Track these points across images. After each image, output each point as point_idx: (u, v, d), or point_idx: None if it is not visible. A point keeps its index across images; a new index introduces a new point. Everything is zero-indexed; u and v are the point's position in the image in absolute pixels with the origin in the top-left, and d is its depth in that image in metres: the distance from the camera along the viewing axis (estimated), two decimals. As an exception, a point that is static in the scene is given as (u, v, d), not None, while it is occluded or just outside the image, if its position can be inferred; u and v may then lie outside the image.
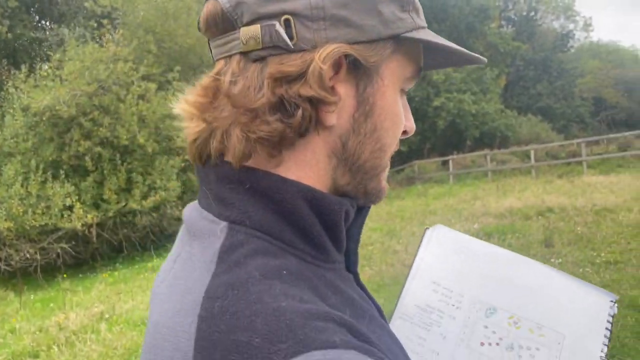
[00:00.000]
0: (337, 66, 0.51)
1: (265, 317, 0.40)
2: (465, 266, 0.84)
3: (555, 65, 40.17)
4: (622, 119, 44.61)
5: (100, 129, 10.50)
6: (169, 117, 10.98)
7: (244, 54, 0.51)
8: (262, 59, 0.50)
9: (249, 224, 0.50)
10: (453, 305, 0.81)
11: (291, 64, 0.48)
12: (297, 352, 0.38)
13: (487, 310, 0.79)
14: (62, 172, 9.69)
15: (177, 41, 12.31)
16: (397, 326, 0.80)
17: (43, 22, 15.02)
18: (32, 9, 15.00)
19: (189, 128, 0.54)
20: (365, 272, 6.80)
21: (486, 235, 8.31)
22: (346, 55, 0.50)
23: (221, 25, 0.52)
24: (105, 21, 11.46)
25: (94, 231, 9.91)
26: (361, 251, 0.70)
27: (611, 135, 19.48)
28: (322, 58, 0.48)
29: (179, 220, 11.14)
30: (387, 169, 0.60)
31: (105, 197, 10.22)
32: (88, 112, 10.56)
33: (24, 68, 11.19)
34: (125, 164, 10.63)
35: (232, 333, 0.40)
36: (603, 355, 0.74)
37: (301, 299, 0.43)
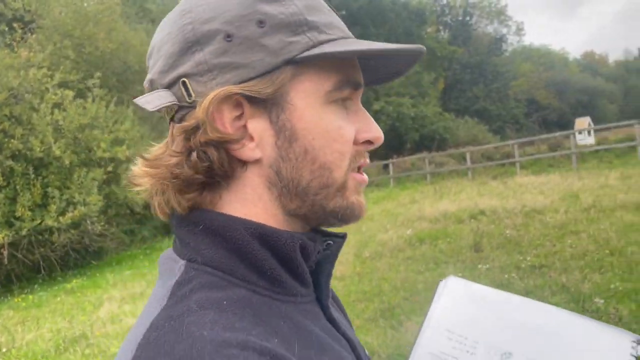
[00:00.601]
0: (237, 106, 0.55)
1: (184, 345, 0.43)
2: (478, 313, 0.85)
3: (490, 68, 41.48)
4: (554, 120, 46.62)
5: (12, 140, 9.72)
6: (88, 127, 10.33)
7: (171, 120, 0.57)
8: (180, 120, 0.56)
9: (201, 261, 0.53)
10: (468, 352, 0.81)
11: (193, 117, 0.54)
12: None
13: (502, 355, 0.79)
14: (-35, 189, 8.86)
15: (98, 46, 11.64)
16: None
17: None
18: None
19: (141, 182, 0.59)
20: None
21: (419, 241, 8.20)
22: (232, 94, 0.53)
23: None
24: (17, 25, 10.63)
25: (5, 252, 9.12)
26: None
27: (543, 136, 20.11)
28: (206, 106, 0.52)
29: (101, 236, 10.49)
30: (351, 185, 0.60)
31: (17, 214, 9.44)
32: (-2, 123, 9.76)
33: None
34: (40, 177, 9.88)
35: (155, 359, 0.43)
36: None
37: (232, 327, 0.46)
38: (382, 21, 31.13)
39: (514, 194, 11.31)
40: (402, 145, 27.27)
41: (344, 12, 30.49)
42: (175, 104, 0.55)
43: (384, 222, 10.64)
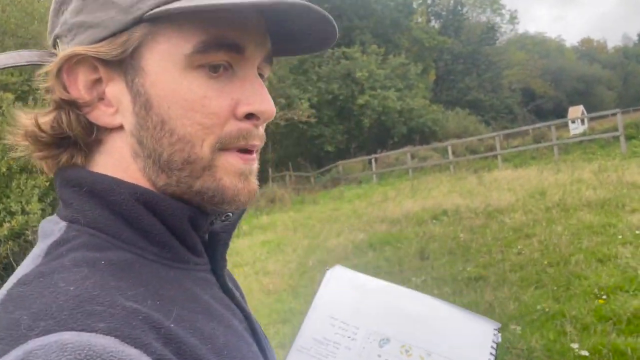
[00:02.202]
0: (91, 69, 0.52)
1: (45, 299, 0.41)
2: (360, 301, 0.88)
3: (483, 58, 40.74)
4: (550, 109, 45.92)
5: (-54, 148, 9.17)
6: (29, 131, 9.78)
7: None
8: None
9: (83, 223, 0.51)
10: (349, 337, 0.83)
11: (48, 74, 0.52)
12: (51, 330, 0.38)
13: (380, 340, 0.83)
14: None
15: (44, 45, 11.04)
16: (293, 358, 0.82)
17: None
18: None
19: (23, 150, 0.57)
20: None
21: (369, 246, 7.66)
22: (77, 55, 0.51)
23: None
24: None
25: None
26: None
27: (527, 127, 19.46)
28: (53, 66, 0.51)
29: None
30: (223, 164, 0.53)
31: (-49, 226, 8.92)
32: None
33: None
34: (-24, 186, 9.35)
35: (12, 312, 0.41)
36: None
37: (103, 285, 0.43)
38: (367, 13, 30.40)
39: (484, 191, 10.74)
40: (389, 139, 26.66)
41: (326, 5, 29.84)
42: (26, 63, 0.55)
43: (344, 224, 10.10)
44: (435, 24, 42.16)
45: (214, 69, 0.52)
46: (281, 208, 15.52)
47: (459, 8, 42.51)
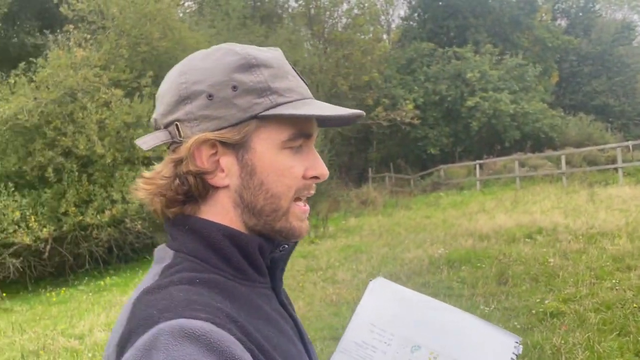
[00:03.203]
0: (212, 147, 0.72)
1: (167, 301, 0.61)
2: (398, 311, 0.97)
3: (615, 59, 36.99)
4: (695, 117, 40.65)
5: (63, 138, 10.11)
6: (133, 125, 10.46)
7: (168, 149, 0.76)
8: (172, 151, 0.74)
9: (185, 252, 0.72)
10: (385, 343, 0.93)
11: (180, 152, 0.71)
12: (172, 318, 0.58)
13: (412, 347, 0.92)
14: (10, 184, 9.33)
15: (153, 44, 11.77)
16: (337, 359, 0.94)
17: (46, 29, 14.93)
18: (29, 15, 14.99)
19: (140, 193, 0.76)
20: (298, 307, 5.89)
21: (446, 263, 7.17)
22: (208, 139, 0.71)
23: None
24: (71, 26, 11.05)
25: (48, 246, 9.50)
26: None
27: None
28: (188, 146, 0.70)
29: (142, 234, 10.61)
30: (295, 212, 0.75)
31: (62, 210, 9.80)
32: (52, 121, 10.20)
33: (13, 73, 10.93)
34: (86, 175, 10.19)
35: (146, 309, 0.61)
36: None
37: (200, 293, 0.64)
38: (484, 11, 28.82)
39: (592, 210, 9.67)
40: (499, 144, 25.17)
41: (440, 3, 28.86)
42: (167, 141, 0.73)
43: (429, 235, 9.61)
44: (561, 22, 39.06)
45: (296, 148, 0.75)
46: (372, 211, 15.25)
47: (591, 5, 38.99)
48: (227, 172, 0.72)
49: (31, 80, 10.67)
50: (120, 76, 11.02)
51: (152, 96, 10.05)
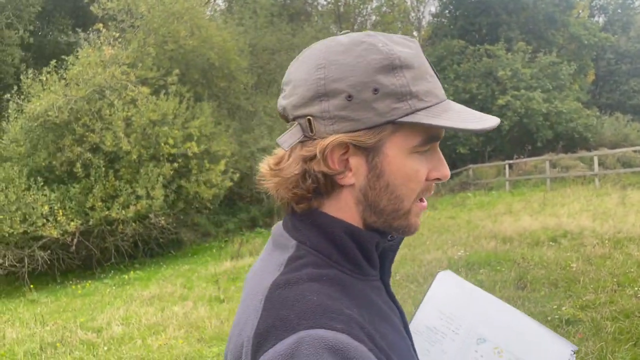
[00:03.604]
0: (344, 147, 0.72)
1: (302, 304, 0.64)
2: (465, 304, 1.03)
3: (655, 57, 35.73)
4: None
5: (91, 134, 10.35)
6: (159, 123, 10.62)
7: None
8: (300, 143, 0.74)
9: (309, 245, 0.74)
10: (453, 331, 0.99)
11: (310, 149, 0.72)
12: (312, 327, 0.60)
13: (478, 339, 0.97)
14: (40, 179, 9.60)
15: (180, 43, 11.92)
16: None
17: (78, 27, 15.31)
18: (63, 13, 15.37)
19: (267, 185, 0.78)
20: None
21: (465, 266, 7.06)
22: (344, 142, 0.71)
23: (283, 118, 0.78)
24: (101, 25, 11.28)
25: (75, 240, 9.75)
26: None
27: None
28: (323, 147, 0.70)
29: (166, 230, 10.78)
30: (415, 211, 0.77)
31: (89, 205, 10.03)
32: (80, 118, 10.46)
33: (45, 70, 11.20)
34: (112, 171, 10.40)
35: (280, 309, 0.64)
36: None
37: (331, 296, 0.66)
38: (517, 8, 28.20)
39: (622, 213, 9.37)
40: (531, 144, 24.62)
41: (471, 1, 28.37)
42: (301, 139, 0.73)
43: (451, 236, 9.48)
44: (599, 19, 37.93)
45: (424, 152, 0.75)
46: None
47: (630, 1, 37.71)
48: (355, 171, 0.73)
49: (62, 78, 10.95)
50: (147, 74, 11.21)
51: (178, 94, 10.13)
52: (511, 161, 20.03)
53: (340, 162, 0.72)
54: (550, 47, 27.95)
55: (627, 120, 29.04)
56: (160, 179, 10.22)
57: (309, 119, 0.71)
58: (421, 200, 0.78)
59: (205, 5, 12.76)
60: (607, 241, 7.36)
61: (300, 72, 0.74)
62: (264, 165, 0.79)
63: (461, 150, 24.96)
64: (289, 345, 0.59)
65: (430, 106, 0.71)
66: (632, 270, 5.84)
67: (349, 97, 0.69)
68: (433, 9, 34.78)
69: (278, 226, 0.82)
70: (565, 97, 25.81)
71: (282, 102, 0.77)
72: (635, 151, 17.84)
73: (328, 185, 0.74)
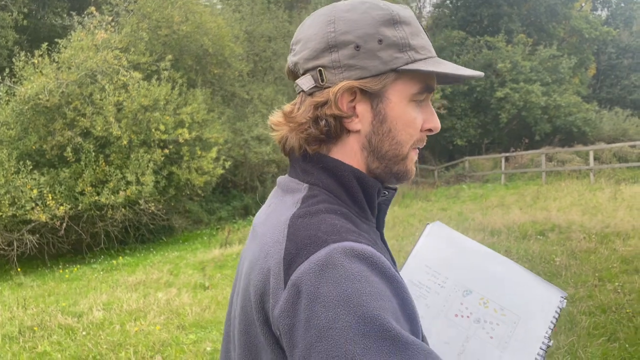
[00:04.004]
0: (352, 94, 0.80)
1: (326, 226, 0.71)
2: (453, 256, 1.04)
3: (657, 52, 35.51)
4: None
5: (82, 119, 10.30)
6: (150, 108, 10.56)
7: (303, 91, 0.83)
8: (311, 94, 0.82)
9: (321, 186, 0.81)
10: (439, 285, 1.00)
11: (322, 96, 0.80)
12: (340, 239, 0.68)
13: (464, 291, 0.99)
14: (29, 162, 9.56)
15: (174, 28, 11.82)
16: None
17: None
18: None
19: (278, 133, 0.85)
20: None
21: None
22: (354, 87, 0.79)
23: (292, 75, 0.87)
24: (93, 9, 11.17)
25: (63, 224, 9.73)
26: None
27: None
28: (335, 91, 0.78)
29: (157, 216, 10.75)
30: (411, 157, 0.85)
31: (78, 189, 10.00)
32: (72, 102, 10.39)
33: (37, 53, 11.08)
34: (102, 156, 10.36)
35: (307, 230, 0.71)
36: (547, 335, 0.96)
37: (347, 223, 0.74)
38: (517, 0, 28.03)
39: (612, 208, 9.34)
40: (528, 137, 24.53)
41: (472, -10, 28.10)
42: (315, 86, 0.81)
43: (440, 228, 9.46)
44: (601, 12, 37.67)
45: (420, 102, 0.83)
46: (392, 201, 15.10)
47: (634, -6, 37.40)
48: (361, 117, 0.81)
49: (54, 61, 10.87)
50: (139, 59, 11.12)
51: (171, 80, 10.02)
52: (507, 154, 19.97)
53: (349, 107, 0.80)
54: (551, 40, 27.78)
55: (627, 115, 28.92)
56: (151, 164, 10.18)
57: (319, 70, 0.80)
58: (414, 148, 0.85)
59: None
60: (594, 236, 7.35)
61: (311, 29, 0.82)
62: (275, 116, 0.86)
63: (458, 142, 24.88)
64: (323, 256, 0.66)
65: (426, 58, 0.81)
66: (614, 265, 5.82)
67: (357, 47, 0.78)
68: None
69: (283, 177, 0.89)
70: (565, 90, 25.68)
71: (293, 58, 0.85)
72: (631, 146, 17.80)
73: (337, 129, 0.81)
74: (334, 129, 0.80)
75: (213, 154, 11.08)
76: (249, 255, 0.81)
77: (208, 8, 12.63)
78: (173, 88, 10.99)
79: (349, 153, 0.82)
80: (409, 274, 1.03)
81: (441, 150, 26.54)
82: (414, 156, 0.86)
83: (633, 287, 4.92)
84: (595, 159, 17.29)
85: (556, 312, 0.96)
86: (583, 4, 35.50)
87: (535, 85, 23.96)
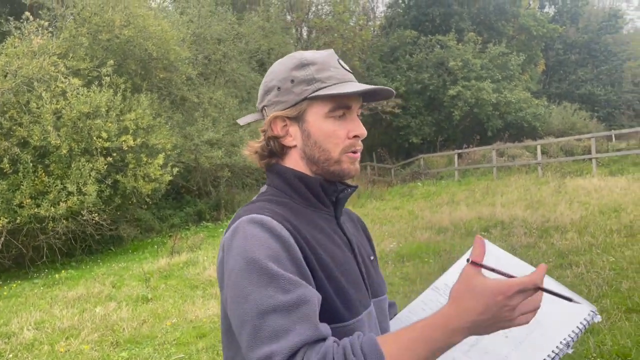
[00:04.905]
0: (283, 120, 1.07)
1: (251, 207, 1.00)
2: (492, 264, 1.00)
3: (602, 48, 36.87)
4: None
5: (19, 128, 9.88)
6: (91, 115, 10.23)
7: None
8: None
9: (273, 185, 1.10)
10: None
11: (265, 126, 1.09)
12: (250, 213, 0.97)
13: None
14: (-40, 176, 9.12)
15: (115, 32, 11.48)
16: (427, 293, 1.16)
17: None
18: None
19: (252, 159, 1.14)
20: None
21: (397, 258, 7.07)
22: (278, 116, 1.07)
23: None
24: (28, 13, 10.74)
25: (1, 239, 9.32)
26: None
27: (632, 130, 17.19)
28: (268, 121, 1.08)
29: (102, 226, 10.42)
30: (344, 160, 1.06)
31: (17, 202, 9.60)
32: (7, 111, 9.96)
33: None
34: (41, 166, 9.98)
35: (238, 212, 1.02)
36: (563, 342, 0.98)
37: (270, 205, 1.02)
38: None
39: (555, 202, 9.58)
40: (481, 133, 25.01)
41: (423, -9, 28.47)
42: (258, 119, 1.15)
43: (387, 229, 9.51)
44: (549, 10, 38.82)
45: (338, 117, 1.05)
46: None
47: (579, -8, 38.69)
48: (294, 136, 1.07)
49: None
50: (79, 65, 10.75)
51: (113, 85, 9.65)
52: (460, 151, 20.31)
53: (283, 130, 1.07)
54: (500, 37, 28.43)
55: (575, 109, 29.86)
56: (93, 174, 9.85)
57: (263, 108, 1.10)
58: (354, 152, 1.06)
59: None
60: (534, 231, 7.50)
61: (263, 82, 1.13)
62: (247, 145, 1.15)
63: (414, 140, 25.21)
64: (234, 225, 0.96)
65: (331, 85, 1.04)
66: (551, 260, 5.94)
67: (279, 89, 1.06)
68: (388, -1, 34.76)
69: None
70: (515, 87, 26.33)
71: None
72: (577, 139, 18.32)
73: (278, 146, 1.08)
74: (274, 147, 1.08)
75: (160, 160, 10.82)
76: None
77: (152, 12, 12.31)
78: (115, 94, 10.67)
79: (294, 162, 1.08)
80: (448, 277, 1.15)
81: (398, 149, 26.81)
82: (349, 158, 1.06)
83: (564, 282, 5.02)
84: (543, 153, 17.76)
85: (582, 323, 0.99)
86: (531, 2, 36.51)
87: (486, 83, 24.47)
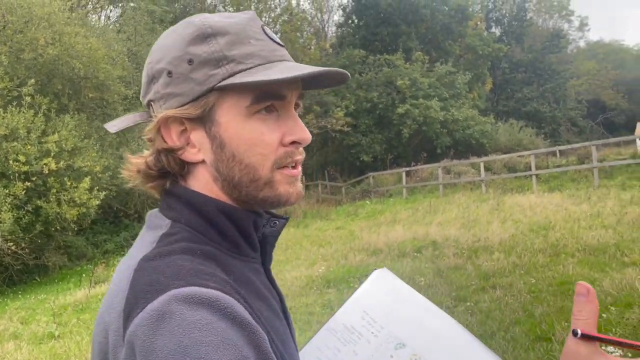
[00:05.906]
0: (181, 123, 0.70)
1: (173, 269, 0.60)
2: (393, 306, 0.96)
3: (546, 67, 38.22)
4: (621, 122, 42.43)
5: None
6: (8, 138, 9.63)
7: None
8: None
9: (183, 222, 0.69)
10: (372, 333, 0.93)
11: (151, 133, 0.71)
12: (184, 284, 0.57)
13: (397, 344, 0.91)
14: None
15: (39, 51, 10.93)
16: (321, 335, 0.96)
17: None
18: None
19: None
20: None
21: (322, 284, 6.79)
22: (170, 117, 0.69)
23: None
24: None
25: None
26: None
27: (570, 146, 17.63)
28: (154, 125, 0.69)
29: (20, 255, 9.77)
30: (278, 179, 0.71)
31: None
32: None
33: None
34: (-48, 193, 9.29)
35: (150, 275, 0.59)
36: None
37: (203, 264, 0.63)
38: (415, 19, 29.00)
39: (488, 220, 9.53)
40: (430, 151, 25.26)
41: (372, 11, 28.87)
42: (134, 124, 0.75)
43: (324, 251, 9.25)
44: (496, 30, 40.04)
45: (266, 110, 0.69)
46: (291, 222, 14.83)
47: (523, 14, 40.16)
48: (199, 147, 0.71)
49: None
50: (-3, 84, 10.17)
51: (35, 105, 9.09)
52: (408, 168, 20.35)
53: (181, 138, 0.71)
54: (448, 57, 29.01)
55: (521, 126, 30.69)
56: (10, 199, 9.23)
57: (149, 104, 0.73)
58: (294, 167, 0.73)
59: (69, 10, 11.74)
60: (464, 251, 7.37)
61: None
62: (129, 167, 0.79)
63: (365, 159, 25.21)
64: (158, 304, 0.56)
65: (252, 67, 0.69)
66: (474, 283, 5.78)
67: (169, 74, 0.70)
68: (337, 18, 35.13)
69: (154, 210, 0.77)
70: (462, 105, 26.79)
71: None
72: (519, 156, 18.63)
73: (173, 163, 0.72)
74: (168, 164, 0.71)
75: (85, 184, 10.27)
76: (101, 306, 0.70)
77: (81, 29, 11.80)
78: (36, 115, 10.10)
79: (204, 185, 0.72)
80: (344, 316, 0.98)
81: (349, 167, 26.79)
82: (285, 176, 0.72)
83: (481, 308, 4.84)
84: (487, 169, 17.97)
85: None
86: (479, 23, 37.56)
87: (433, 101, 24.78)
